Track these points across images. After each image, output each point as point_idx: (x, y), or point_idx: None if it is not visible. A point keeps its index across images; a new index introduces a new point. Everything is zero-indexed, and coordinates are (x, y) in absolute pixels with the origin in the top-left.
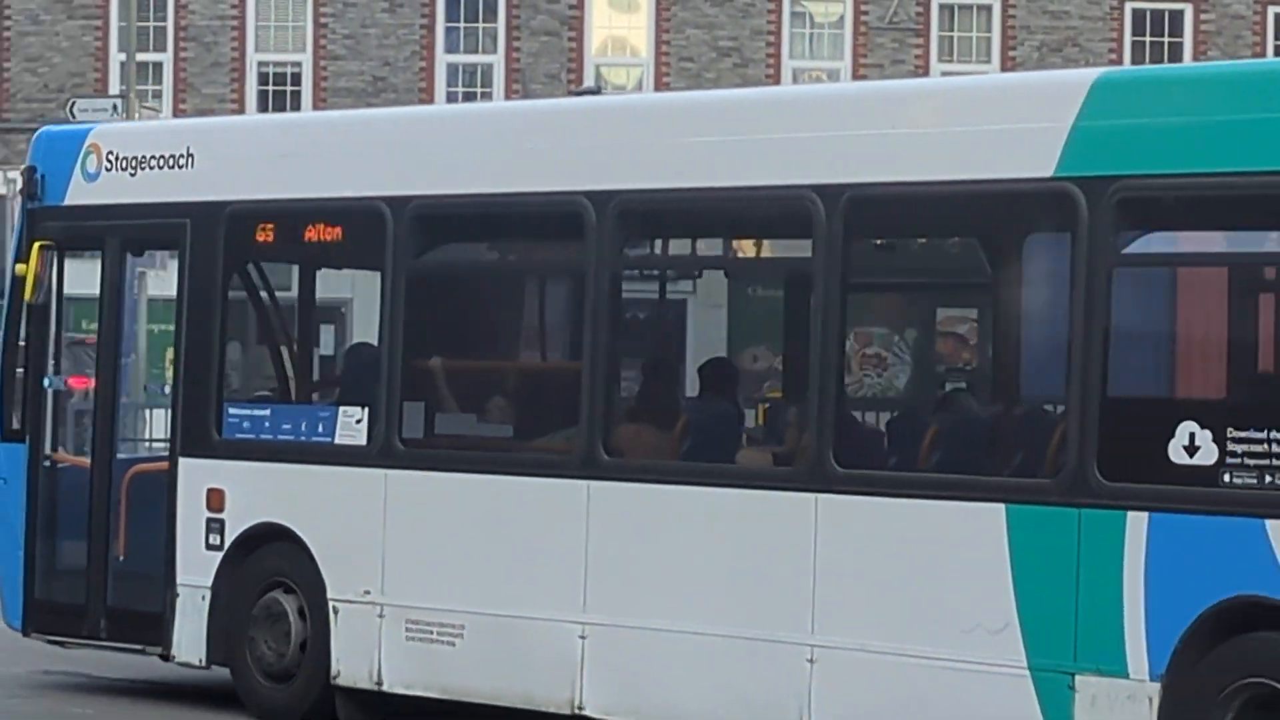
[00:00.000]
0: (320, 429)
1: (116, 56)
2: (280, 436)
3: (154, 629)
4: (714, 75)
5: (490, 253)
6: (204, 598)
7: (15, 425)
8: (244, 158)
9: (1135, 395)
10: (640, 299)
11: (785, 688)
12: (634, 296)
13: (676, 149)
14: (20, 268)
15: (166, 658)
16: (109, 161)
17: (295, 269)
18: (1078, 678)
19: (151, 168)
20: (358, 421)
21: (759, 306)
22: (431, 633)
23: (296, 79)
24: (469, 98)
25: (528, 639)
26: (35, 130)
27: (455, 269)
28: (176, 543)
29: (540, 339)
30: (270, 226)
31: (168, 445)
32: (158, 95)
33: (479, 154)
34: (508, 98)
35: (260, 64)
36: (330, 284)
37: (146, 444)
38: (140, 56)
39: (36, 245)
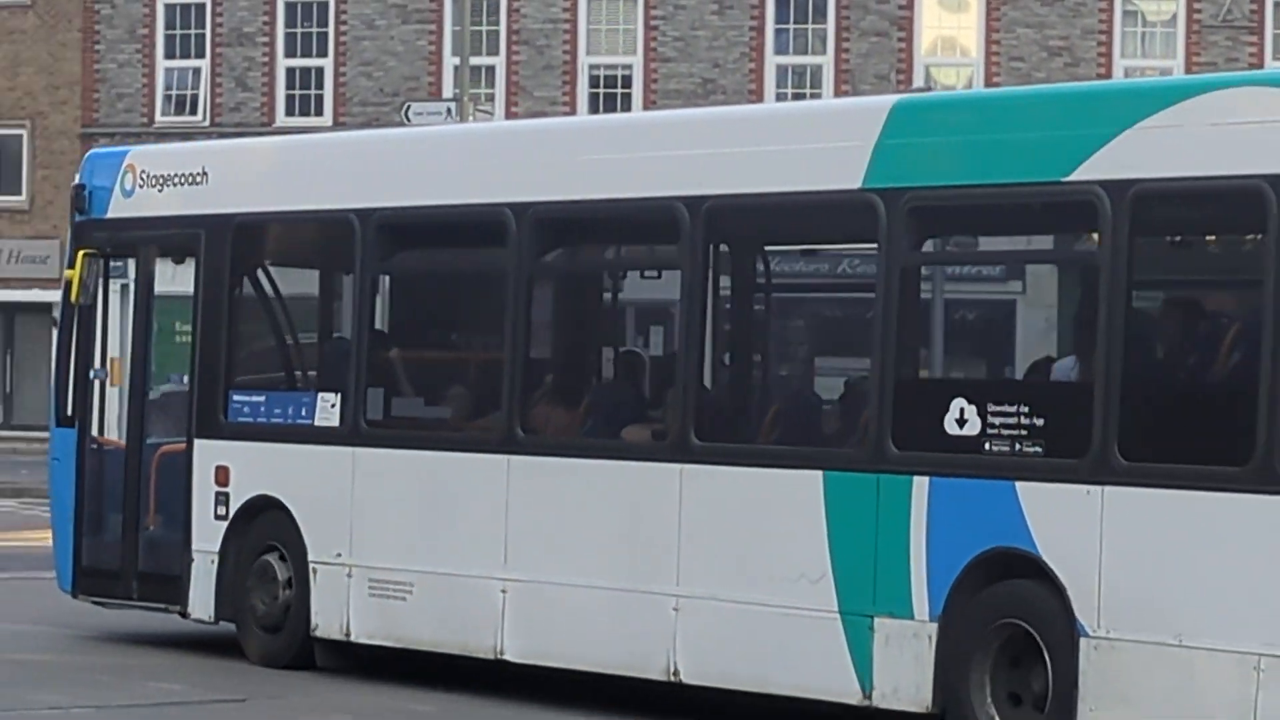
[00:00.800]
0: (304, 412)
1: (450, 60)
2: (273, 419)
3: (175, 590)
4: (1044, 74)
5: (436, 257)
6: (212, 562)
7: (68, 413)
8: (248, 175)
9: (920, 377)
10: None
11: (657, 632)
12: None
13: (575, 166)
14: (69, 274)
15: (185, 615)
16: (142, 179)
17: (289, 272)
18: (876, 620)
19: (174, 185)
20: (332, 405)
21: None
22: (388, 590)
23: (627, 81)
24: (798, 98)
25: (461, 595)
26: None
27: (409, 272)
28: (191, 514)
29: (473, 334)
30: (268, 235)
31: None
32: (490, 98)
33: (426, 171)
34: (837, 95)
35: (591, 67)
36: (318, 283)
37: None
38: (473, 60)
39: (81, 254)
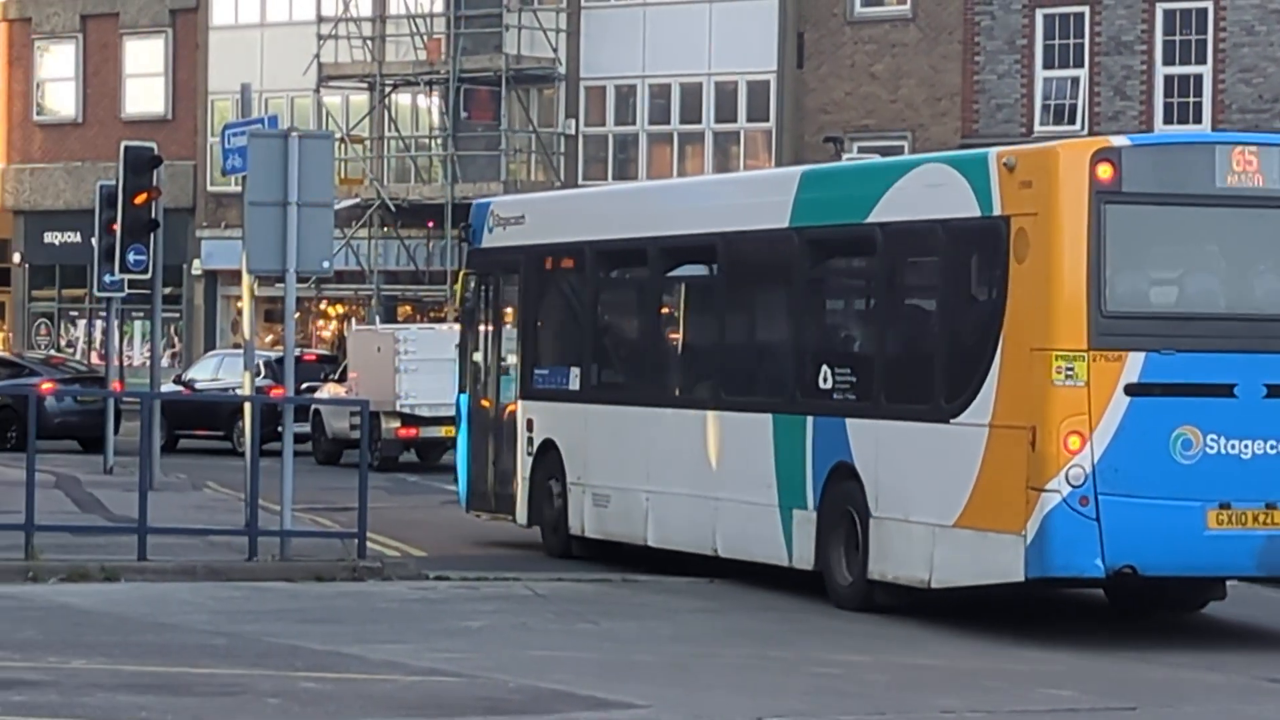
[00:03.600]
0: (565, 381)
1: None
2: (552, 386)
3: (512, 504)
4: None
5: (629, 276)
6: (525, 484)
7: (463, 384)
8: (544, 218)
9: (809, 350)
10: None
11: (705, 520)
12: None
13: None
14: (456, 288)
15: (515, 522)
16: (494, 221)
17: (564, 285)
18: (794, 511)
19: (508, 225)
20: (577, 376)
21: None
22: (600, 500)
23: None
24: None
25: (628, 501)
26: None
27: (618, 285)
28: (517, 451)
29: (648, 327)
30: (552, 261)
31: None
32: None
33: (621, 216)
34: None
35: None
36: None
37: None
38: None
39: (463, 274)
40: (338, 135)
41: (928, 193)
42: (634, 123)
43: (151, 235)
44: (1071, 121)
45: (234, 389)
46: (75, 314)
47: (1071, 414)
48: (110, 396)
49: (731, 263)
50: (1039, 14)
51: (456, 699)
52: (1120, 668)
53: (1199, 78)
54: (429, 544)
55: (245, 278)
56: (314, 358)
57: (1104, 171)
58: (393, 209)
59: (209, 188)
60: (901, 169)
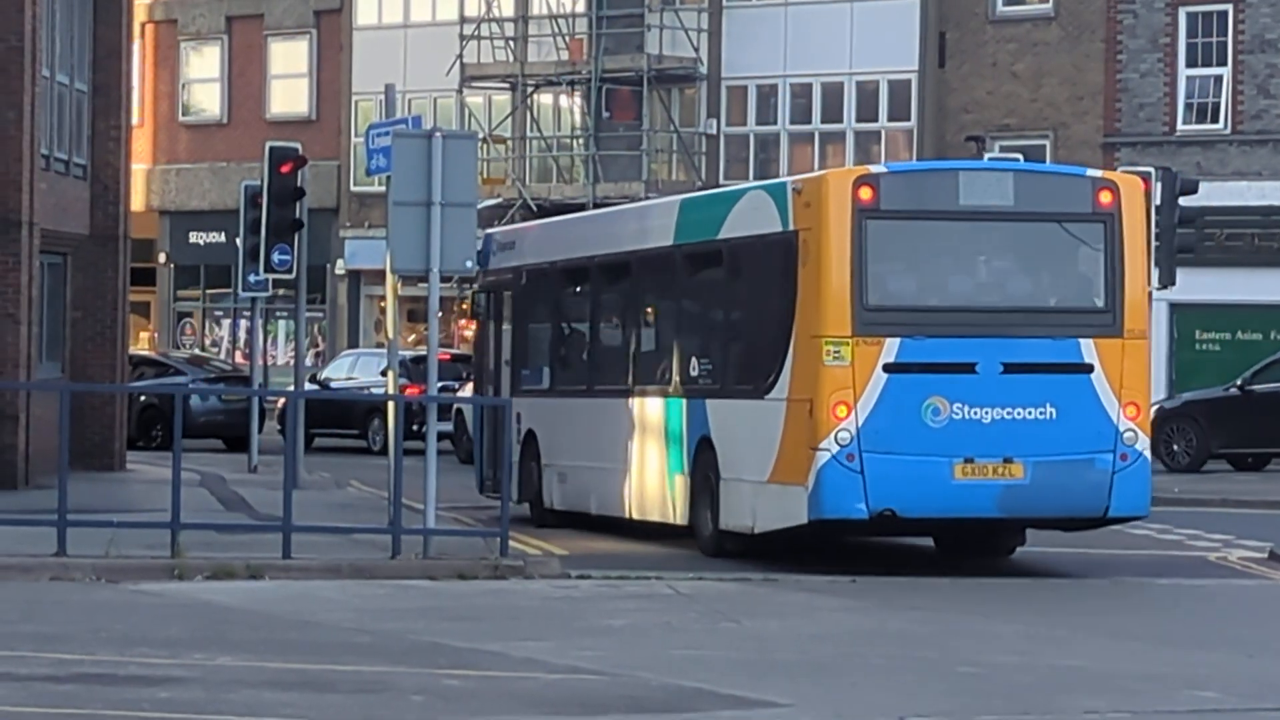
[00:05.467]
0: (540, 379)
1: None
2: (532, 384)
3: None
4: None
5: (574, 290)
6: (514, 466)
7: (477, 387)
8: (526, 243)
9: (684, 346)
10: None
11: (621, 488)
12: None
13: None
14: (465, 305)
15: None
16: (496, 245)
17: (538, 297)
18: (676, 477)
19: (505, 249)
20: (546, 374)
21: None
22: (562, 477)
23: None
24: None
25: (579, 476)
26: None
27: (568, 298)
28: (512, 439)
29: (589, 333)
30: (528, 279)
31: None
32: None
33: (554, 242)
34: None
35: None
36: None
37: None
38: None
39: (473, 292)
40: (481, 135)
41: (753, 214)
42: (775, 122)
43: (296, 235)
44: (1215, 120)
45: (369, 388)
46: (220, 313)
47: (840, 388)
48: (255, 395)
49: (639, 276)
50: (1182, 12)
51: (598, 697)
52: (1266, 669)
53: None
54: (571, 543)
55: (389, 277)
56: (448, 357)
57: (865, 194)
58: (534, 209)
59: (353, 188)
60: (738, 195)
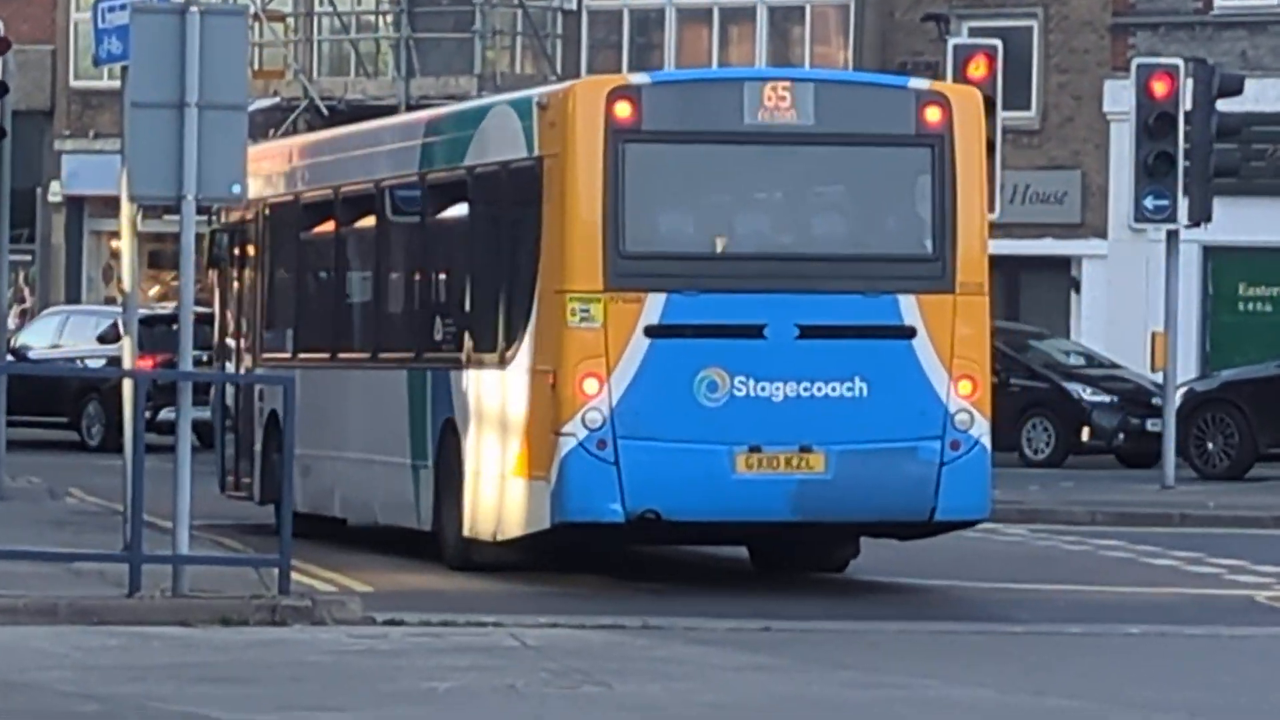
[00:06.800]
0: (280, 347)
1: None
2: (275, 353)
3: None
4: None
5: (317, 233)
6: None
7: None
8: (275, 168)
9: (439, 311)
10: None
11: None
12: None
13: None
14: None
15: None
16: None
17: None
18: (420, 470)
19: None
20: (283, 341)
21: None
22: (304, 471)
23: None
24: None
25: (325, 471)
26: None
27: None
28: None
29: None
30: (274, 215)
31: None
32: None
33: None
34: None
35: None
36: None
37: None
38: None
39: (211, 229)
40: (253, 11)
41: (497, 135)
42: None
43: None
44: None
45: (81, 360)
46: None
47: (587, 356)
48: None
49: (384, 213)
50: None
51: None
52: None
53: None
54: (374, 574)
55: (125, 207)
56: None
57: (622, 110)
58: (325, 113)
59: (73, 83)
60: (484, 112)
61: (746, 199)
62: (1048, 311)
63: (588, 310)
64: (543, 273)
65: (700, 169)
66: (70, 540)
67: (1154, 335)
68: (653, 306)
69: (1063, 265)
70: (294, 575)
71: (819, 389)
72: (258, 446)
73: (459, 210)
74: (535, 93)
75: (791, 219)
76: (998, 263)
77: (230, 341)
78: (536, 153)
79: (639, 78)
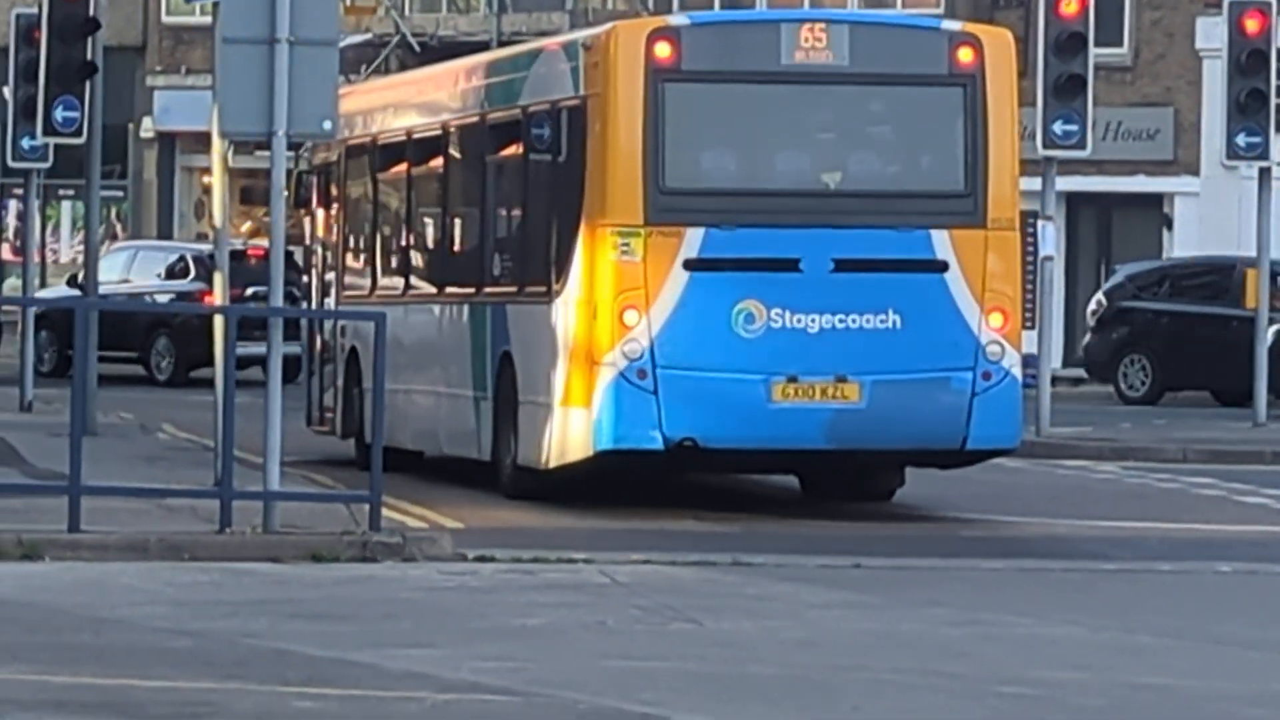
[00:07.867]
0: (360, 286)
1: None
2: (355, 292)
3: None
4: None
5: (393, 174)
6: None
7: None
8: (357, 109)
9: (499, 249)
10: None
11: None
12: None
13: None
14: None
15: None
16: None
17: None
18: (480, 402)
19: None
20: (363, 280)
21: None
22: None
23: None
24: None
25: (399, 405)
26: None
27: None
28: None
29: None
30: (354, 157)
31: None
32: None
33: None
34: None
35: None
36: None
37: None
38: None
39: (297, 171)
40: None
41: (548, 76)
42: None
43: (87, 83)
44: None
45: (149, 294)
46: None
47: (628, 289)
48: (25, 305)
49: (452, 154)
50: None
51: None
52: None
53: None
54: (464, 509)
55: (216, 142)
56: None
57: (662, 51)
58: (417, 49)
59: (165, 18)
60: (536, 54)
61: (782, 137)
62: (1140, 248)
63: (628, 244)
64: (586, 208)
65: (738, 107)
66: (162, 476)
67: (1246, 272)
68: (692, 240)
69: (1155, 202)
70: (387, 512)
71: (854, 321)
72: (339, 382)
73: (515, 149)
74: (582, 34)
75: (826, 156)
76: (1091, 199)
77: (316, 279)
78: (582, 92)
79: (678, 19)
